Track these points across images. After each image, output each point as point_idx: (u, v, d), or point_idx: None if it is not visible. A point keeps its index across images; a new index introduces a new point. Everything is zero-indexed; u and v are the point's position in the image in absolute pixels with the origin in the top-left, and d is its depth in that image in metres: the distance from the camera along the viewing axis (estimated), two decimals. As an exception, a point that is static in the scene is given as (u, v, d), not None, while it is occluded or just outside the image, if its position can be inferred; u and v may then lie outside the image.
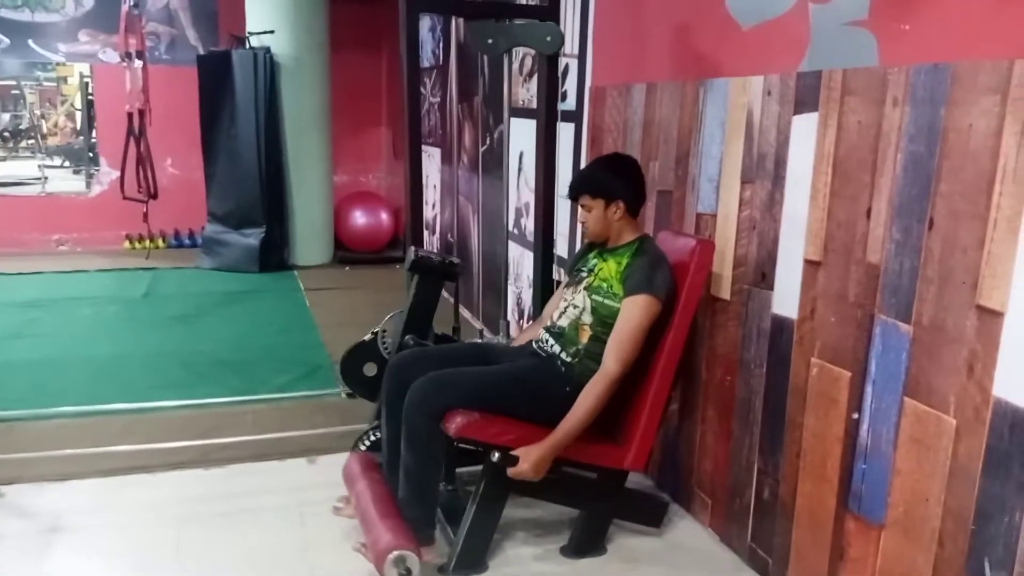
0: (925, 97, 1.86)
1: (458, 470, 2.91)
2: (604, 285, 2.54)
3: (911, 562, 1.94)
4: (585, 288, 2.60)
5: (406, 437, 2.43)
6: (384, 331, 3.04)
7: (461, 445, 2.47)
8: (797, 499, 2.33)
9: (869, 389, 2.05)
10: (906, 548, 1.95)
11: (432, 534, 2.48)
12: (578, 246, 3.64)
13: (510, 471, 2.33)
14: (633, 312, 2.43)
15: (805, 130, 2.24)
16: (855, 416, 2.10)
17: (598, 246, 2.68)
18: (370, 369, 3.04)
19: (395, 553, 2.22)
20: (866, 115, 2.03)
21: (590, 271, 2.63)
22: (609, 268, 2.56)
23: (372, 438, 2.92)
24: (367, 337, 3.06)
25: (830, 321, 2.18)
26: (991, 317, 1.71)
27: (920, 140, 1.87)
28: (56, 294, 5.84)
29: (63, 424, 3.50)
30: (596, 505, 2.60)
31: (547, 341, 2.63)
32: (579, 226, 3.61)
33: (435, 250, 3.29)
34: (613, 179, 2.58)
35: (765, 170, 2.41)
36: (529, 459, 2.33)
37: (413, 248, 2.99)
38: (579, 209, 2.64)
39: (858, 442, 2.10)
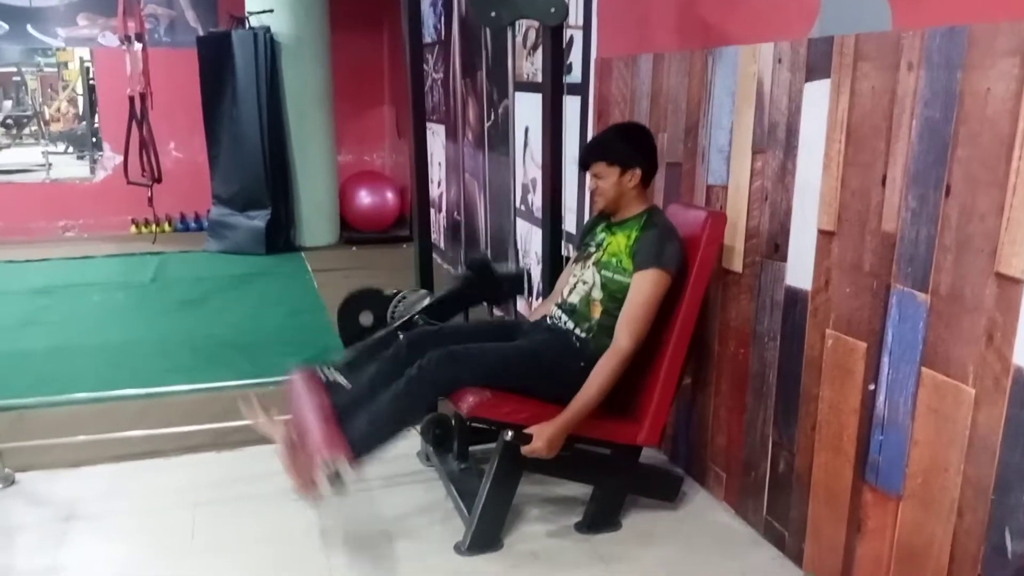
0: (941, 61, 1.81)
1: (471, 448, 2.91)
2: (613, 260, 2.52)
3: (930, 533, 1.92)
4: (594, 264, 2.57)
5: (400, 391, 2.36)
6: (404, 297, 2.99)
7: (474, 424, 2.46)
8: (813, 471, 2.32)
9: (886, 360, 2.03)
10: (925, 519, 1.94)
11: (361, 457, 2.34)
12: (586, 220, 3.61)
13: (524, 449, 2.33)
14: (643, 287, 2.41)
15: (817, 98, 2.20)
16: (871, 387, 2.08)
17: (605, 218, 2.65)
18: (366, 318, 2.98)
19: (327, 455, 2.19)
20: (880, 81, 1.98)
21: (599, 246, 2.61)
22: (618, 242, 2.53)
23: (332, 378, 2.68)
24: (386, 290, 3.00)
25: (845, 292, 2.15)
26: (1011, 285, 1.68)
27: (936, 105, 1.83)
28: (64, 281, 5.84)
29: (75, 411, 3.50)
30: (610, 481, 2.60)
31: (560, 318, 2.61)
32: (587, 199, 3.58)
33: (507, 271, 3.15)
34: (630, 146, 2.55)
35: (776, 139, 2.37)
36: (543, 436, 2.32)
37: (485, 251, 2.95)
38: (589, 178, 2.59)
39: (875, 413, 2.08)
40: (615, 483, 2.61)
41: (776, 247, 2.42)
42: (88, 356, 4.25)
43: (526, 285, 3.07)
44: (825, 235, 2.21)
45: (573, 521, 2.62)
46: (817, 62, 2.19)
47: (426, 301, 2.92)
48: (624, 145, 2.55)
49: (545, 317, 2.69)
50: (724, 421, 2.74)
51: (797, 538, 2.41)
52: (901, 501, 2.01)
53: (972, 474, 1.81)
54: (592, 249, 2.63)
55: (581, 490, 2.68)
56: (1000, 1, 1.69)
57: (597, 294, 2.53)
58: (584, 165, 2.58)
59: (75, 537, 2.56)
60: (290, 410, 2.52)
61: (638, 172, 2.52)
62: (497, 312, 3.19)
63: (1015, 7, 1.64)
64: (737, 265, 2.60)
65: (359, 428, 2.36)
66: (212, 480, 2.91)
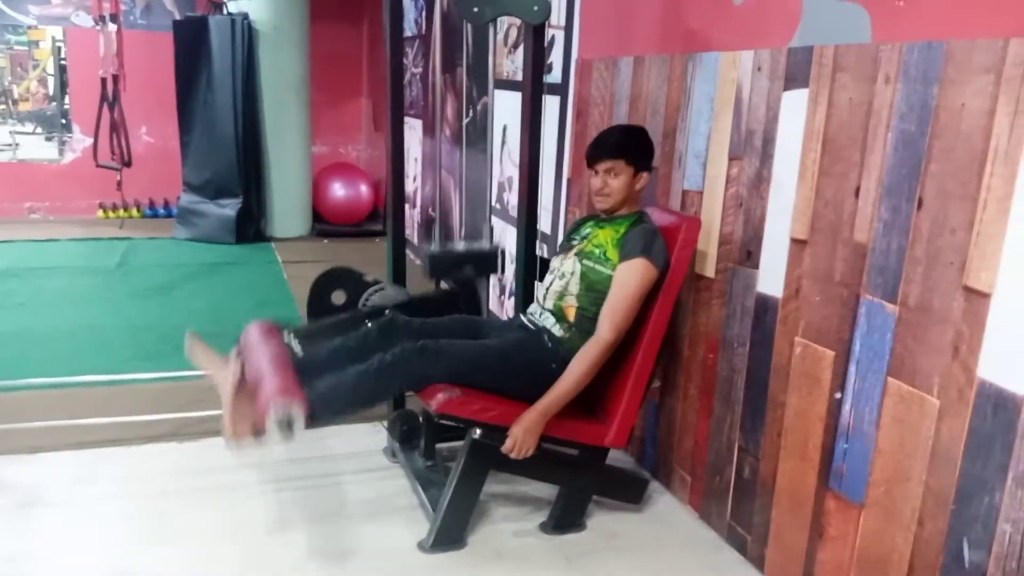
0: (918, 75, 1.83)
1: (438, 446, 2.90)
2: (597, 251, 2.52)
3: (890, 541, 1.95)
4: (576, 254, 2.57)
5: (369, 371, 2.33)
6: (380, 288, 2.97)
7: (442, 421, 2.45)
8: (777, 478, 2.34)
9: (853, 369, 2.05)
10: (886, 527, 1.96)
11: (315, 418, 2.29)
12: (562, 221, 3.61)
13: (505, 446, 2.32)
14: (630, 276, 2.41)
15: (795, 107, 2.21)
16: (838, 396, 2.10)
17: (594, 217, 2.65)
18: (338, 297, 2.95)
19: (283, 399, 2.15)
20: (857, 92, 2.00)
21: (583, 238, 2.61)
22: (605, 234, 2.54)
23: (287, 340, 2.63)
24: (364, 274, 2.97)
25: (815, 300, 2.17)
26: (978, 298, 1.71)
27: (911, 119, 1.86)
28: (29, 263, 5.73)
29: (36, 396, 3.43)
30: (576, 482, 2.60)
31: (540, 314, 2.61)
32: (563, 200, 3.58)
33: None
34: (644, 149, 2.55)
35: (753, 147, 2.39)
36: (521, 423, 2.33)
37: (470, 270, 2.93)
38: (593, 176, 2.54)
39: (840, 422, 2.10)
40: (581, 484, 2.61)
41: (749, 254, 2.43)
42: (51, 341, 4.17)
43: (499, 263, 3.05)
44: (797, 243, 2.23)
45: (538, 521, 2.61)
46: (796, 71, 2.21)
47: (400, 296, 2.91)
48: (641, 148, 2.55)
49: (518, 315, 2.69)
50: (691, 425, 2.75)
51: (759, 543, 2.43)
52: (863, 509, 2.03)
53: (934, 484, 1.83)
54: (575, 241, 2.63)
55: (547, 490, 2.68)
56: (978, 19, 1.71)
57: (574, 287, 2.52)
58: (598, 160, 2.51)
59: (34, 524, 2.50)
60: (244, 357, 2.42)
61: (646, 176, 2.53)
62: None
63: (993, 25, 1.66)
64: (710, 271, 2.62)
65: (318, 389, 2.30)
66: (175, 469, 2.87)
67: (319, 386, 2.32)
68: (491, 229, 3.33)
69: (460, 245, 3.01)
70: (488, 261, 3.05)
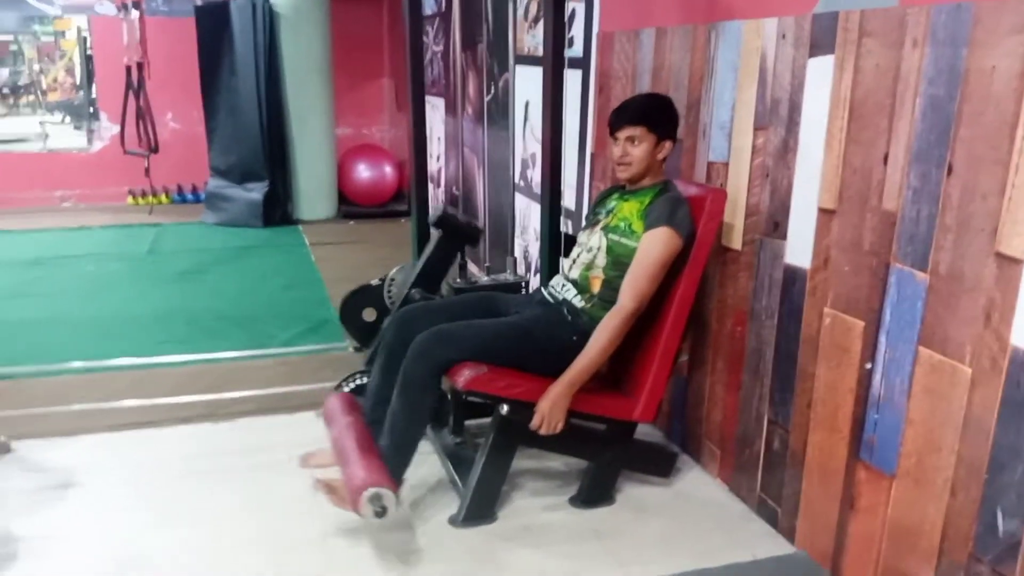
0: (946, 38, 1.79)
1: (467, 423, 2.91)
2: (622, 224, 2.51)
3: (922, 512, 1.93)
4: (602, 228, 2.56)
5: (401, 384, 2.39)
6: (393, 279, 3.01)
7: (470, 399, 2.46)
8: (807, 449, 2.32)
9: (883, 339, 2.03)
10: (917, 498, 1.94)
11: (401, 479, 2.41)
12: (586, 197, 3.59)
13: (532, 424, 2.33)
14: (653, 245, 2.40)
15: (820, 74, 2.18)
16: (868, 366, 2.08)
17: (619, 188, 2.64)
18: (369, 314, 3.01)
19: (371, 490, 2.20)
20: (884, 57, 1.96)
21: (609, 212, 2.59)
22: (630, 207, 2.52)
23: (357, 381, 2.87)
24: (374, 282, 3.03)
25: (844, 270, 2.15)
26: (1010, 265, 1.68)
27: (940, 83, 1.82)
28: (60, 251, 5.83)
29: (70, 380, 3.50)
30: (605, 456, 2.60)
31: (562, 286, 2.61)
32: (587, 175, 3.56)
33: (452, 209, 3.28)
34: (667, 117, 2.53)
35: (779, 116, 2.35)
36: (548, 397, 2.33)
37: (442, 204, 2.96)
38: (616, 145, 2.53)
39: (871, 392, 2.08)
40: (610, 458, 2.61)
41: (776, 225, 2.41)
42: (83, 326, 4.25)
43: (482, 238, 3.07)
44: (825, 213, 2.20)
45: (567, 495, 2.62)
46: (821, 38, 2.17)
47: (414, 274, 2.93)
48: (664, 115, 2.52)
49: (539, 289, 2.69)
50: (720, 398, 2.74)
51: (790, 515, 2.42)
52: (895, 480, 2.02)
53: (966, 454, 1.81)
54: (601, 216, 2.62)
55: (576, 465, 2.69)
56: (1008, -23, 1.66)
57: (601, 260, 2.52)
58: (620, 127, 2.50)
59: (70, 505, 2.56)
60: (330, 438, 2.55)
61: (669, 145, 2.51)
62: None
63: (1023, -17, 1.62)
64: (736, 243, 2.59)
65: (386, 448, 2.40)
66: (206, 450, 2.92)
67: (386, 445, 2.40)
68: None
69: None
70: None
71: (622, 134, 2.51)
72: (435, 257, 2.94)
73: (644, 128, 2.48)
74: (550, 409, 2.34)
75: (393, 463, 2.38)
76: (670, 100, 2.61)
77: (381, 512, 2.21)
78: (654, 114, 2.52)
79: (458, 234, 2.94)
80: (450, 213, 2.93)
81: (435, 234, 2.95)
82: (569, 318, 2.52)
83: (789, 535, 2.42)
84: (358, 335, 3.02)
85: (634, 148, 2.49)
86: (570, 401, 2.37)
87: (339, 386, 2.94)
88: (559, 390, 2.35)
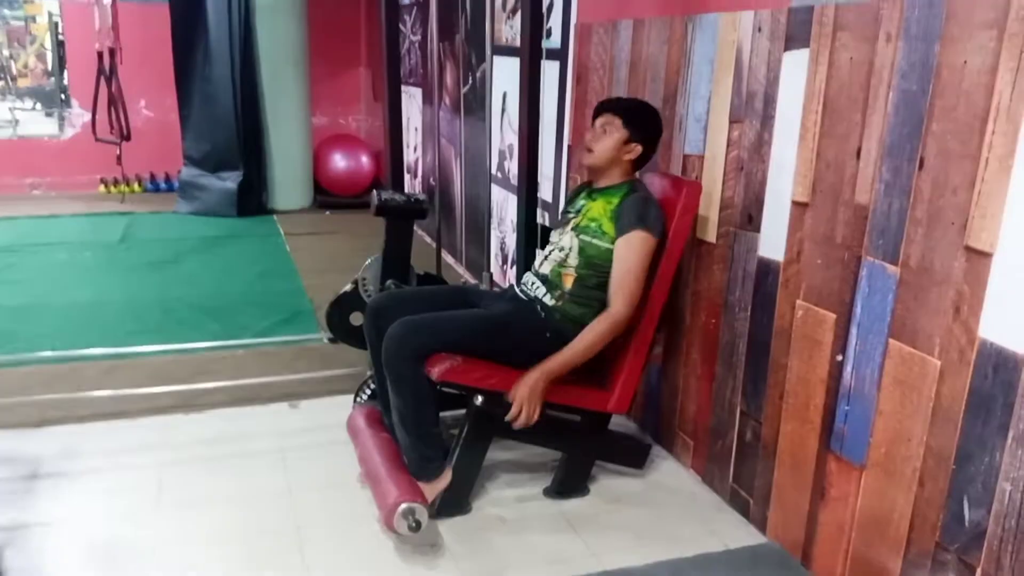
0: (919, 33, 1.81)
1: (442, 414, 2.90)
2: (592, 225, 2.51)
3: (891, 501, 1.96)
4: (572, 229, 2.56)
5: (391, 382, 2.41)
6: (364, 278, 3.00)
7: (444, 389, 2.45)
8: (779, 440, 2.35)
9: (854, 331, 2.05)
10: (887, 487, 1.97)
11: (441, 465, 2.44)
12: (563, 189, 3.60)
13: (509, 415, 2.33)
14: (631, 250, 2.41)
15: (795, 67, 2.19)
16: (839, 358, 2.10)
17: (586, 187, 2.64)
18: (357, 319, 3.00)
19: (404, 506, 2.22)
20: (858, 52, 1.98)
21: (578, 212, 2.60)
22: (598, 207, 2.53)
23: (370, 388, 2.90)
24: (348, 287, 3.01)
25: (816, 263, 2.16)
26: (979, 258, 1.70)
27: (913, 77, 1.83)
28: (31, 239, 5.73)
29: (40, 370, 3.45)
30: (579, 447, 2.61)
31: (532, 284, 2.61)
32: (563, 167, 3.56)
33: (409, 190, 3.26)
34: (648, 123, 2.55)
35: (754, 109, 2.37)
36: (526, 383, 2.34)
37: (375, 192, 2.93)
38: (593, 128, 2.56)
39: (841, 384, 2.10)
40: (584, 449, 2.62)
41: (750, 218, 2.42)
42: (54, 315, 4.19)
43: (428, 208, 3.06)
44: (799, 206, 2.22)
45: (542, 487, 2.63)
46: (796, 31, 2.18)
47: (377, 265, 2.93)
48: (643, 117, 2.54)
49: (512, 286, 2.69)
50: (693, 390, 2.75)
51: (761, 505, 2.44)
52: (864, 470, 2.04)
53: (934, 444, 1.83)
54: (571, 216, 2.62)
55: (550, 456, 2.70)
56: (980, -27, 1.68)
57: (573, 260, 2.52)
58: (599, 114, 2.55)
59: (40, 495, 2.53)
60: (359, 457, 2.58)
61: (638, 149, 2.53)
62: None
63: (994, -21, 1.64)
64: (711, 236, 2.61)
65: (408, 443, 2.44)
66: (179, 441, 2.89)
67: (409, 443, 2.44)
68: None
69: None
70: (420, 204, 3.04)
71: (599, 120, 2.54)
72: (391, 244, 2.92)
73: (619, 120, 2.50)
74: (528, 396, 2.33)
75: (419, 454, 2.41)
76: (656, 111, 2.62)
77: (415, 526, 2.22)
78: (634, 111, 2.54)
79: (402, 214, 2.92)
80: (386, 197, 2.90)
81: (385, 221, 2.94)
82: (543, 315, 2.52)
83: (761, 525, 2.45)
84: (354, 342, 3.00)
85: (604, 137, 2.51)
86: (545, 390, 2.37)
87: (356, 397, 2.96)
88: (536, 376, 2.35)
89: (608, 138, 2.51)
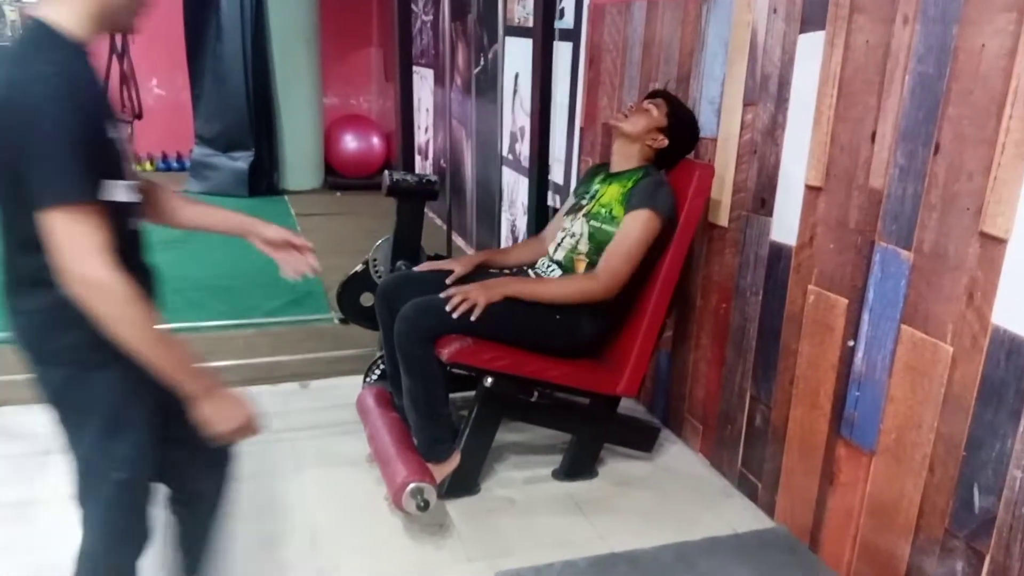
0: (937, 15, 1.79)
1: (451, 395, 2.91)
2: (603, 211, 2.51)
3: (900, 487, 1.95)
4: (584, 215, 2.56)
5: (402, 364, 2.41)
6: (375, 259, 3.00)
7: (455, 371, 2.46)
8: (789, 425, 2.34)
9: (866, 316, 2.04)
10: (896, 473, 1.97)
11: (450, 447, 2.44)
12: (575, 171, 3.58)
13: (452, 302, 2.34)
14: (632, 226, 2.40)
15: (811, 50, 2.17)
16: (850, 343, 2.09)
17: (604, 168, 2.63)
18: (367, 299, 3.00)
19: (412, 485, 2.23)
20: (874, 34, 1.95)
21: (592, 197, 2.59)
22: (611, 192, 2.52)
23: (379, 369, 2.91)
24: (359, 268, 3.01)
25: (829, 248, 2.15)
26: (994, 244, 1.68)
27: (929, 61, 1.81)
28: (42, 217, 5.75)
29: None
30: (588, 430, 2.62)
31: (546, 267, 2.61)
32: (575, 149, 3.54)
33: (420, 171, 3.23)
34: (687, 124, 2.56)
35: (768, 92, 2.35)
36: (484, 283, 2.39)
37: (387, 172, 2.92)
38: (637, 102, 2.59)
39: (852, 369, 2.09)
40: (593, 432, 2.63)
41: (763, 202, 2.41)
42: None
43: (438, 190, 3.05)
44: (812, 190, 2.20)
45: (550, 469, 2.64)
46: (812, 13, 2.16)
47: (388, 246, 2.93)
48: (687, 125, 2.56)
49: (525, 268, 2.68)
50: (703, 374, 2.75)
51: (770, 490, 2.44)
52: (874, 456, 2.04)
53: (945, 431, 1.83)
54: (584, 201, 2.61)
55: (559, 438, 2.71)
56: (1001, -46, 1.66)
57: (584, 246, 2.52)
58: (650, 97, 2.59)
59: (52, 471, 2.55)
60: (368, 436, 2.58)
61: (664, 143, 2.53)
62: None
63: (1015, -39, 1.61)
64: (723, 219, 2.59)
65: (418, 425, 2.44)
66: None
67: (419, 425, 2.44)
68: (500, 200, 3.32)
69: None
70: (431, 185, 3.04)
71: (648, 101, 2.56)
72: (402, 224, 2.92)
73: (667, 108, 2.53)
74: (476, 294, 2.34)
75: (430, 435, 2.42)
76: (698, 131, 2.62)
77: (424, 506, 2.24)
78: (682, 112, 2.57)
79: (413, 195, 2.92)
80: (398, 178, 2.89)
81: (397, 203, 2.93)
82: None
83: (769, 510, 2.45)
84: (365, 322, 3.01)
85: (644, 113, 2.52)
86: (496, 299, 2.37)
87: (365, 378, 2.96)
88: (497, 284, 2.39)
89: (648, 116, 2.51)
